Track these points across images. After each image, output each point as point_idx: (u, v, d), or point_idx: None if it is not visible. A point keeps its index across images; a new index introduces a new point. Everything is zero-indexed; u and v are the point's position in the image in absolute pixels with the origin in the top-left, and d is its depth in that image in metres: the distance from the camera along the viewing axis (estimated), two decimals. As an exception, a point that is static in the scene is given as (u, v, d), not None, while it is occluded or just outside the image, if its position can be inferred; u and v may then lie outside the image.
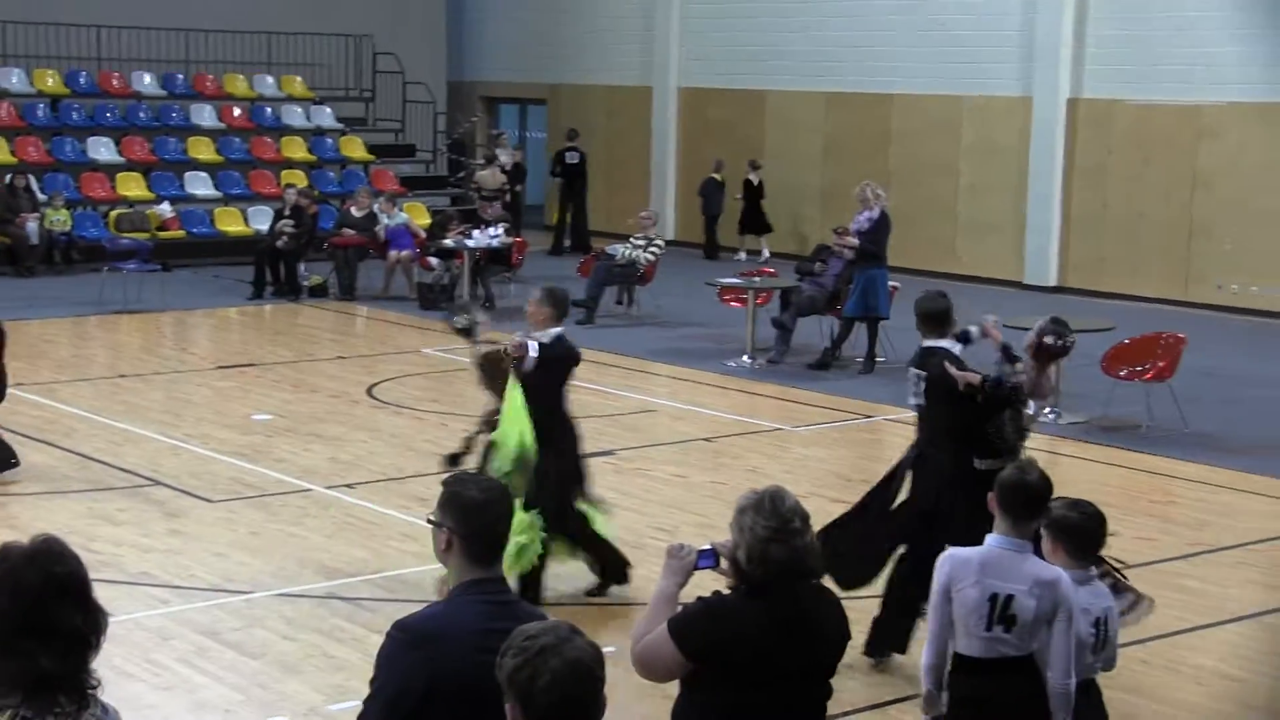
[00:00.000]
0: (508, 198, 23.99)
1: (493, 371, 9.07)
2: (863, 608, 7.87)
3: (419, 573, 9.43)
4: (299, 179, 24.34)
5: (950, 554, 5.57)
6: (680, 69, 26.86)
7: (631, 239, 19.76)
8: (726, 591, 4.49)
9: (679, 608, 4.51)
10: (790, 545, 4.39)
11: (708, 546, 4.52)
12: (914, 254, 22.09)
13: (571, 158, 26.16)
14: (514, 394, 8.67)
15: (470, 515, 4.15)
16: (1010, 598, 5.38)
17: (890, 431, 14.08)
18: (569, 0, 28.52)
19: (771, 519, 4.40)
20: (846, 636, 4.59)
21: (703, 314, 19.02)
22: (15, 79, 24.97)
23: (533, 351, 8.72)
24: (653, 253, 19.31)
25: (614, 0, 27.87)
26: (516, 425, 8.61)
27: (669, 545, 4.64)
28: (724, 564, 4.47)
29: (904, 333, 16.80)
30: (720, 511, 10.85)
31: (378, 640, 7.96)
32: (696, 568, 4.53)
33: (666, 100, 27.02)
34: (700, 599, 4.47)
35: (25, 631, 3.24)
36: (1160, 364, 14.14)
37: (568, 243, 25.82)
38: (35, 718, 3.21)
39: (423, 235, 21.06)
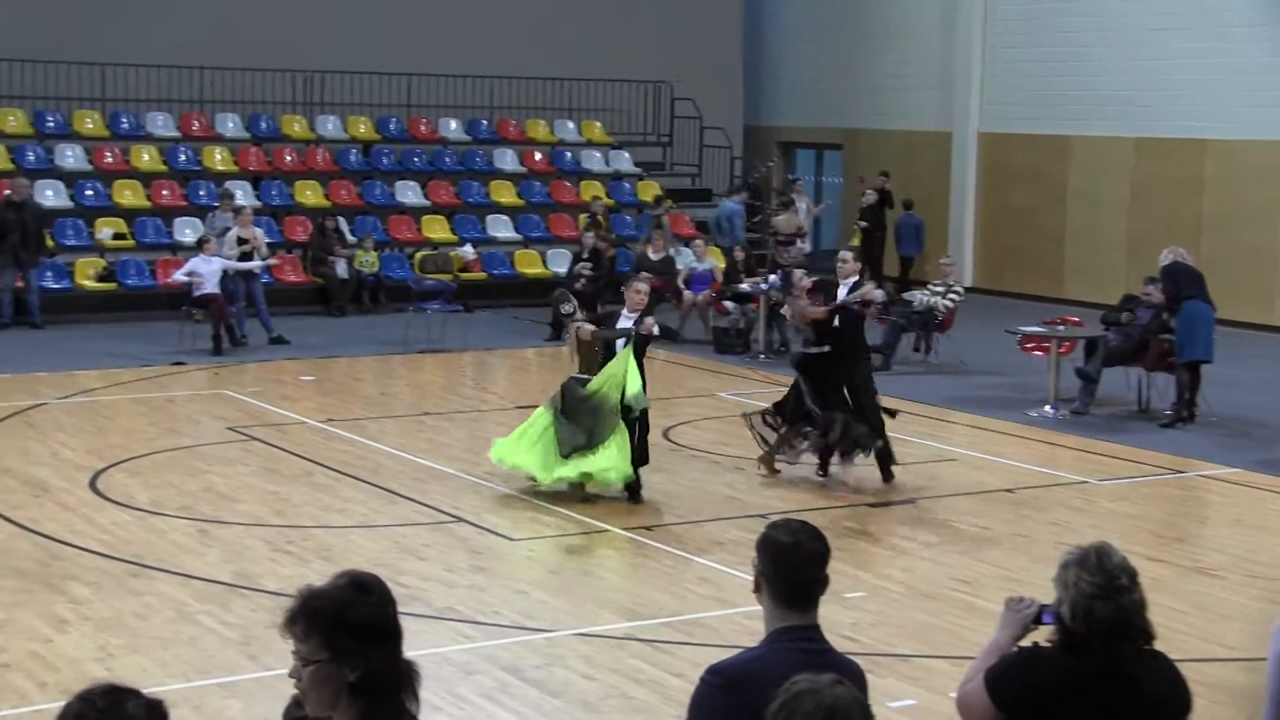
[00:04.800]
0: (803, 243, 23.84)
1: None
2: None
3: (718, 617, 9.39)
4: (597, 222, 24.71)
5: None
6: (981, 113, 26.43)
7: (930, 285, 19.48)
8: (1047, 645, 4.32)
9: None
10: (1117, 603, 4.21)
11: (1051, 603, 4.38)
12: (1230, 304, 21.13)
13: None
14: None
15: (778, 557, 4.16)
16: None
17: (1206, 489, 13.52)
18: (867, 45, 28.38)
19: (1097, 575, 4.24)
20: (1180, 705, 4.33)
21: (1003, 362, 18.59)
22: (331, 126, 26.04)
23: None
24: (952, 299, 18.99)
25: (913, 45, 27.62)
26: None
27: (1008, 597, 4.50)
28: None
29: (1213, 387, 16.18)
30: (1023, 564, 10.64)
31: (677, 683, 8.10)
32: (1039, 622, 4.38)
33: (966, 145, 26.60)
34: (1019, 649, 4.37)
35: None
36: None
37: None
38: None
39: (720, 280, 21.16)
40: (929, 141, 27.17)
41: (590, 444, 11.90)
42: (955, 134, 26.74)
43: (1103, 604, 4.18)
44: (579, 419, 11.98)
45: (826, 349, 12.84)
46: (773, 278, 20.13)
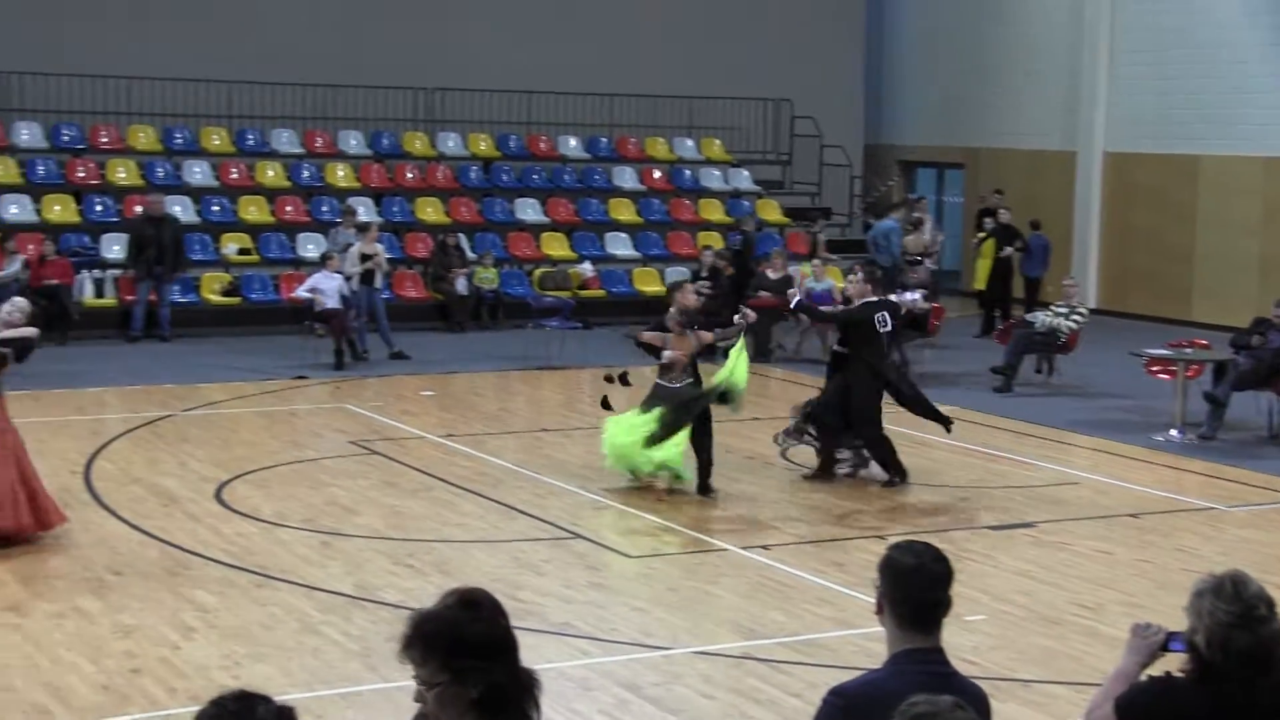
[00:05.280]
0: (930, 262, 23.58)
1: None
2: None
3: (836, 638, 9.32)
4: (716, 241, 24.74)
5: None
6: (1106, 133, 26.05)
7: (1053, 306, 19.23)
8: (1179, 674, 4.23)
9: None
10: (1255, 633, 4.13)
11: (1179, 630, 4.29)
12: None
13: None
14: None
15: (900, 579, 4.15)
16: None
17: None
18: (990, 64, 28.12)
19: (1234, 604, 4.15)
20: None
21: (1127, 385, 18.27)
22: (451, 143, 26.28)
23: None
24: (1075, 321, 18.72)
25: (1037, 63, 27.31)
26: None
27: (1134, 624, 4.42)
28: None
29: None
30: (1147, 590, 10.46)
31: (795, 704, 8.06)
32: (1166, 649, 4.29)
33: (1091, 165, 26.24)
34: (1150, 678, 4.30)
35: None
36: None
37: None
38: None
39: (839, 299, 21.00)
40: (1053, 161, 26.83)
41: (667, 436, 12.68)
42: (1080, 153, 26.39)
43: (1241, 634, 4.11)
44: (686, 413, 12.74)
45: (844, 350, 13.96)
46: (909, 295, 19.97)
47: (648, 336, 13.30)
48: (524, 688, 3.54)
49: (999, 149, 27.87)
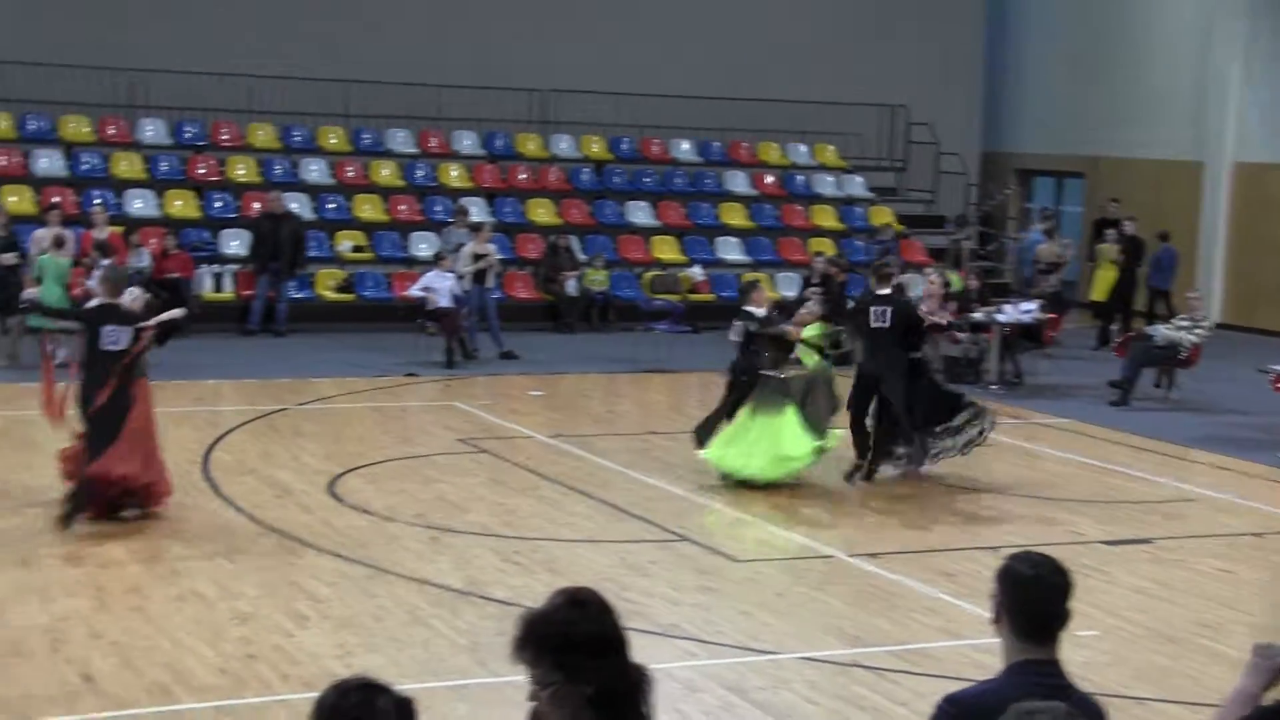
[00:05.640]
0: (1057, 277, 23.27)
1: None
2: None
3: (944, 648, 9.20)
4: (827, 247, 24.58)
5: None
6: (1236, 142, 25.51)
7: (1175, 320, 18.89)
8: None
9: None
10: (1375, 655, 3.99)
11: None
12: None
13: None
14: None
15: (1018, 589, 4.09)
16: None
17: None
18: (1114, 70, 27.65)
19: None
20: None
21: (1252, 401, 17.82)
22: (564, 145, 26.35)
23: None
24: (1198, 335, 18.35)
25: (1163, 70, 26.81)
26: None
27: (1255, 643, 4.28)
28: None
29: None
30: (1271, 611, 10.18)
31: (901, 713, 8.00)
32: None
33: (1219, 176, 25.73)
34: (1277, 701, 4.11)
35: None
36: None
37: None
38: None
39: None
40: (1179, 171, 26.31)
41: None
42: (1208, 164, 25.86)
43: (1357, 656, 3.99)
44: (818, 399, 13.25)
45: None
46: (1026, 306, 19.74)
47: (795, 332, 13.68)
48: (635, 684, 3.52)
49: (1121, 158, 27.39)
